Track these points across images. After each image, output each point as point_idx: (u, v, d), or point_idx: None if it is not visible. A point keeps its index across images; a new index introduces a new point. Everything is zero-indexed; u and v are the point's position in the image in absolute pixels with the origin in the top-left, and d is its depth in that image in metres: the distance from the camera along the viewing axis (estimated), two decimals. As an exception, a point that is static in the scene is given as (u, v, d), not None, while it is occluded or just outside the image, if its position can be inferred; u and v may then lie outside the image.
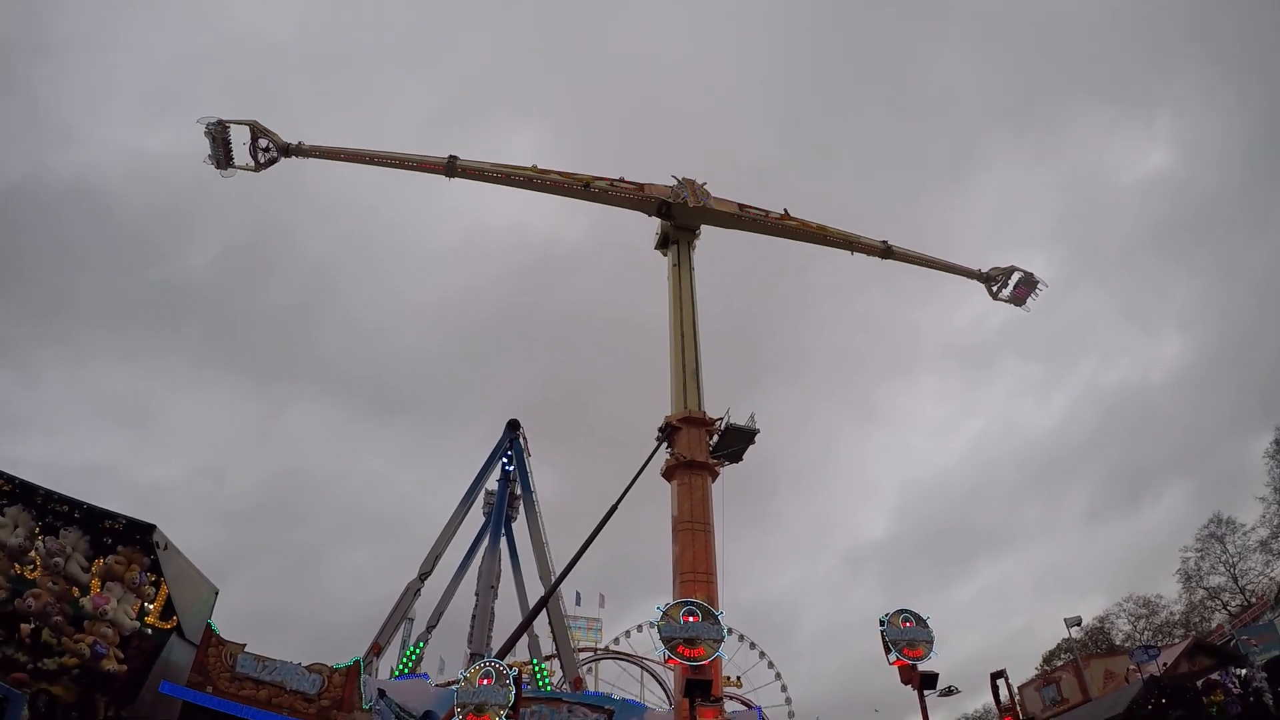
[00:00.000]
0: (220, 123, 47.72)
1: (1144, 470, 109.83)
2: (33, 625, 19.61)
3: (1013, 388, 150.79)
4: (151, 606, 23.40)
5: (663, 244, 54.00)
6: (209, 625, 26.74)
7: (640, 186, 52.14)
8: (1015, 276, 58.23)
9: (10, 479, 21.27)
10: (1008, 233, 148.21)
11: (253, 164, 48.58)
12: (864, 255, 56.68)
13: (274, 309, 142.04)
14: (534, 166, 51.85)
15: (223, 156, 47.66)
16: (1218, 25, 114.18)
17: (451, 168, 49.84)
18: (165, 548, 23.49)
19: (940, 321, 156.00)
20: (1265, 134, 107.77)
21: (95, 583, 21.40)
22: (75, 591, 20.86)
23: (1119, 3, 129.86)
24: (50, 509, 21.48)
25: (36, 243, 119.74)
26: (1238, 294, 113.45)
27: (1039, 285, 57.71)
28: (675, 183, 51.73)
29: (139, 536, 22.75)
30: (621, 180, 51.79)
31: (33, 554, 20.63)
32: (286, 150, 48.97)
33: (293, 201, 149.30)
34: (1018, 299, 58.89)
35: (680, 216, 51.70)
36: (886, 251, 55.90)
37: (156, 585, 23.61)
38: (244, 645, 27.60)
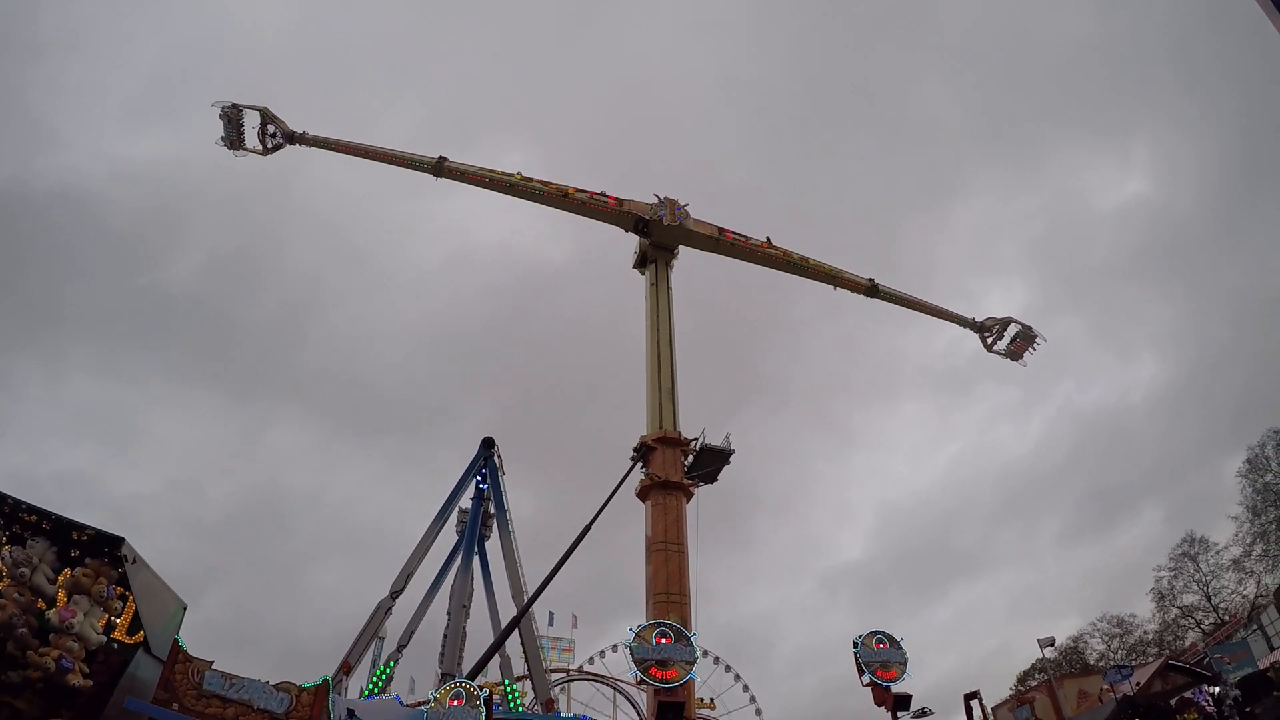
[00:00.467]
0: (235, 106, 50.86)
1: (1119, 491, 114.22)
2: (-3, 637, 19.15)
3: (990, 411, 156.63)
4: (119, 621, 22.79)
5: (641, 263, 54.40)
6: (176, 641, 26.23)
7: (620, 202, 52.60)
8: (1012, 330, 55.44)
9: (-25, 488, 20.86)
10: (986, 259, 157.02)
11: (260, 148, 51.65)
12: (847, 291, 56.04)
13: (259, 321, 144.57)
14: (519, 174, 52.54)
15: (235, 138, 50.93)
16: (1193, 55, 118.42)
17: (439, 168, 51.56)
18: (134, 561, 23.04)
19: (920, 345, 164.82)
20: (1239, 162, 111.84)
21: (62, 595, 20.89)
22: (41, 604, 20.37)
23: (1096, 34, 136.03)
24: (18, 518, 21.01)
25: (20, 248, 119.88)
26: (1211, 318, 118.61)
27: (1037, 340, 54.67)
28: (656, 201, 52.09)
29: (107, 549, 22.30)
30: (603, 194, 52.34)
31: (-1, 565, 20.17)
32: (291, 138, 52.04)
33: (282, 213, 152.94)
34: (1014, 353, 55.91)
35: (658, 235, 52.15)
36: (872, 290, 54.23)
37: (124, 599, 23.04)
38: (211, 662, 27.10)
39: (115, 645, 22.53)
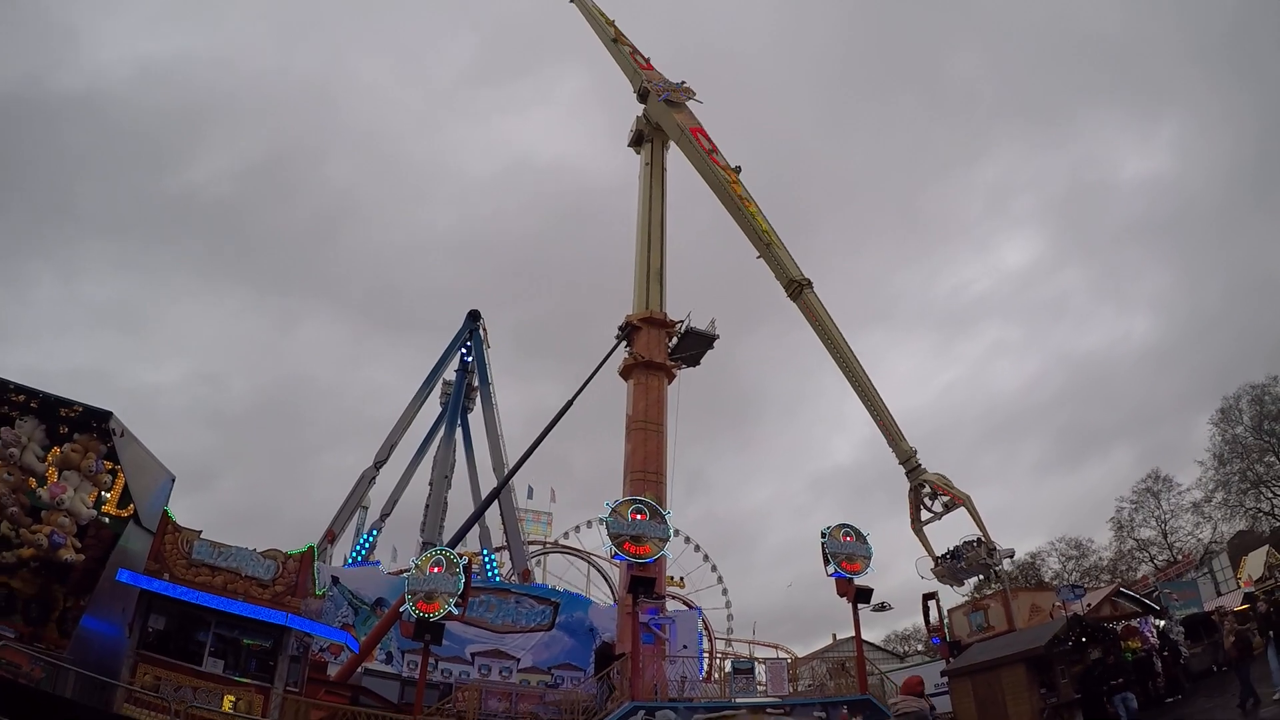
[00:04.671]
0: None
1: (1096, 431, 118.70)
2: (-10, 518, 19.56)
3: (989, 348, 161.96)
4: (108, 495, 23.32)
5: (636, 141, 53.18)
6: (165, 512, 26.74)
7: (648, 64, 52.11)
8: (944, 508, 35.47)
9: (-35, 371, 20.87)
10: (1003, 210, 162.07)
11: None
12: (774, 278, 42.01)
13: (291, 229, 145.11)
14: (612, 24, 55.59)
15: None
16: (1227, 47, 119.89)
17: None
18: (122, 435, 23.24)
19: (926, 283, 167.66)
20: (1255, 154, 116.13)
21: (52, 472, 21.20)
22: (32, 482, 20.68)
23: (1133, 17, 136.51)
24: (6, 399, 21.08)
25: (37, 150, 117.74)
26: (1207, 288, 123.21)
27: (996, 555, 33.02)
28: (673, 82, 50.79)
29: (95, 424, 22.47)
30: (640, 55, 53.38)
31: (-11, 446, 20.37)
32: None
33: (321, 127, 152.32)
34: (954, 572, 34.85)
35: (651, 109, 50.87)
36: (795, 292, 40.24)
37: (113, 474, 23.47)
38: (199, 532, 27.72)
39: (106, 519, 23.11)
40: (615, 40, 54.42)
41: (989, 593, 38.31)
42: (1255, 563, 38.01)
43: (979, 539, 33.18)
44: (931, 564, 35.03)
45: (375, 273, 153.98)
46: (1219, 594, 37.95)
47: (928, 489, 35.07)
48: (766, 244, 41.66)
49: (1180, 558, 54.10)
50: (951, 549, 34.31)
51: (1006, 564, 35.18)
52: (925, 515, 35.92)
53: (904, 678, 18.11)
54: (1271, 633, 20.06)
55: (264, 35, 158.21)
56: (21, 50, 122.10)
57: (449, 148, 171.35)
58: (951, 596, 35.73)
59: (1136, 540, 63.89)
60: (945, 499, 34.66)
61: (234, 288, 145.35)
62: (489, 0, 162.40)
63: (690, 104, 50.05)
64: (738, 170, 45.49)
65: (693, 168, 46.65)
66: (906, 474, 36.24)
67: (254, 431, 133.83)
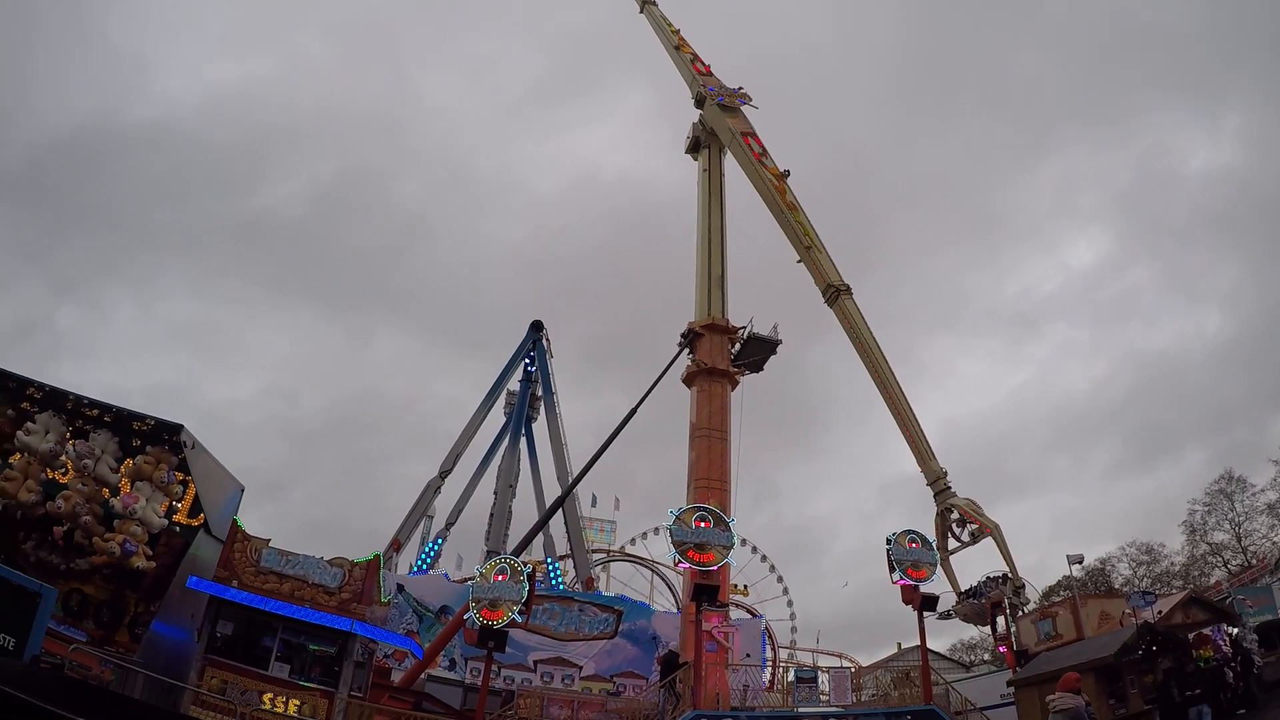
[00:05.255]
0: None
1: (1167, 432, 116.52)
2: (65, 527, 20.43)
3: (1058, 349, 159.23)
4: (179, 505, 24.09)
5: (693, 148, 53.32)
6: (235, 521, 27.56)
7: (708, 69, 52.39)
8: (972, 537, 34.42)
9: (40, 386, 21.77)
10: (1069, 208, 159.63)
11: None
12: (811, 278, 42.08)
13: (361, 248, 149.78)
14: (676, 33, 55.94)
15: None
16: None
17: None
18: (193, 446, 24.09)
19: (993, 286, 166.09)
20: None
21: (124, 483, 22.09)
22: (105, 492, 21.56)
23: (1198, 10, 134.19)
24: (80, 413, 22.03)
25: (116, 179, 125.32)
26: (1277, 284, 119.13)
27: (1022, 593, 32.47)
28: (730, 87, 50.90)
29: (167, 436, 23.32)
30: (701, 61, 53.55)
31: (64, 458, 21.29)
32: None
33: (387, 150, 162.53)
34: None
35: (706, 114, 50.98)
36: (833, 296, 40.06)
37: (184, 484, 24.25)
38: (268, 540, 28.54)
39: (177, 528, 23.90)
40: (678, 48, 54.75)
41: (1057, 600, 37.16)
42: (1332, 565, 36.22)
43: (1004, 575, 31.37)
44: (955, 600, 32.97)
45: (445, 288, 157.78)
46: (1292, 598, 36.19)
47: (956, 514, 33.22)
48: (807, 247, 41.31)
49: (1255, 562, 51.65)
50: (974, 585, 32.40)
51: (1075, 569, 34.14)
52: (952, 544, 34.12)
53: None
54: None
55: (331, 56, 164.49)
56: (96, 83, 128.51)
57: (516, 164, 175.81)
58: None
59: (1209, 544, 61.22)
60: (974, 527, 32.70)
61: (307, 306, 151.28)
62: (553, 19, 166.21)
63: (746, 109, 49.96)
64: (786, 174, 45.12)
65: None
66: (934, 496, 34.88)
67: (325, 444, 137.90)
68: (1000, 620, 32.71)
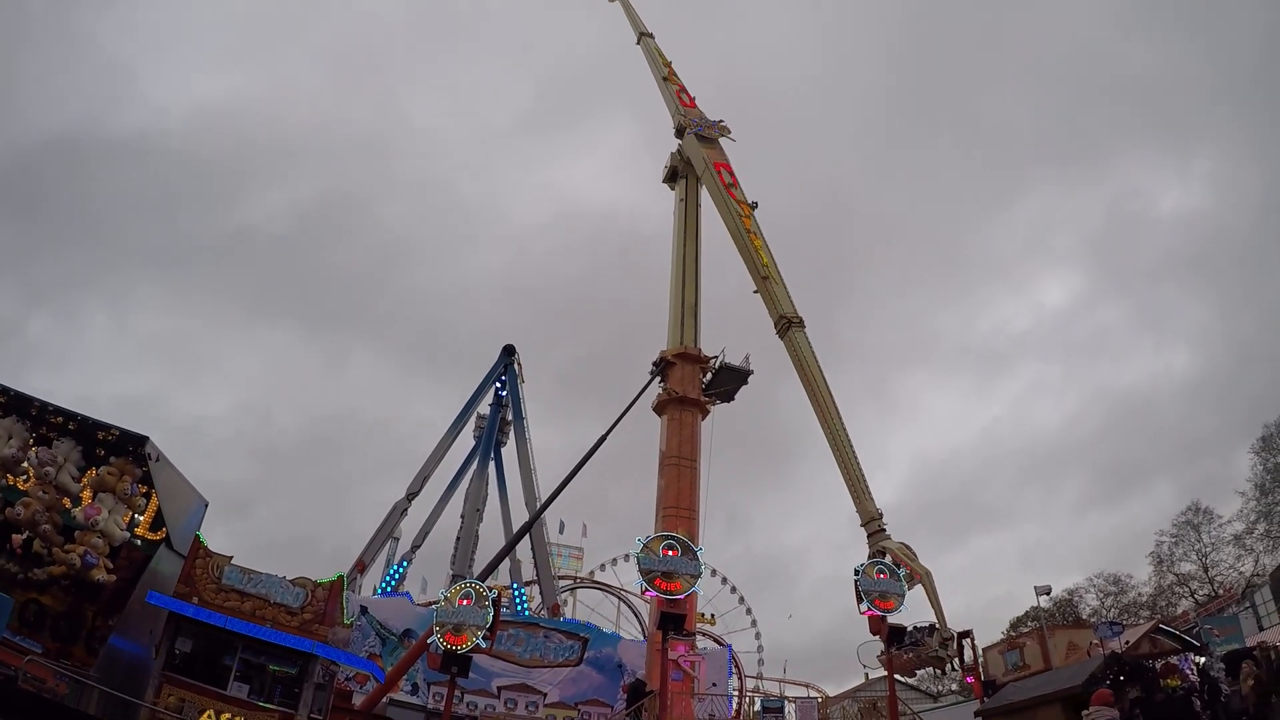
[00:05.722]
0: None
1: (1136, 467, 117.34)
2: (24, 535, 19.91)
3: (1030, 386, 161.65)
4: (142, 518, 23.63)
5: (670, 177, 53.86)
6: (197, 537, 27.05)
7: (692, 102, 52.84)
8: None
9: (4, 390, 21.30)
10: (1041, 248, 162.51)
11: None
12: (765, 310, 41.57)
13: (342, 269, 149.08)
14: (668, 65, 56.82)
15: None
16: (1259, 76, 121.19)
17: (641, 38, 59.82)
18: (157, 459, 23.65)
19: (967, 323, 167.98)
20: None
21: (87, 493, 21.57)
22: (66, 502, 21.05)
23: (1170, 56, 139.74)
24: (45, 420, 21.57)
25: (97, 188, 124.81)
26: (1244, 320, 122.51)
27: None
28: (711, 120, 51.41)
29: (132, 448, 22.88)
30: (687, 93, 54.29)
31: (25, 465, 20.80)
32: None
33: (373, 172, 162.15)
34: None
35: (685, 145, 51.46)
36: (785, 328, 39.66)
37: (147, 497, 23.80)
38: (230, 557, 27.99)
39: (138, 541, 23.41)
40: (666, 79, 55.52)
41: (1025, 631, 37.35)
42: (1299, 595, 36.71)
43: (933, 625, 30.27)
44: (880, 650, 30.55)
45: (425, 313, 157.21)
46: (1261, 628, 36.59)
47: (889, 558, 31.58)
48: (764, 278, 41.28)
49: (1221, 592, 52.36)
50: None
51: (1043, 600, 34.27)
52: None
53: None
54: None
55: (321, 77, 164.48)
56: (81, 90, 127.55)
57: (501, 192, 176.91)
58: (988, 637, 34.61)
59: (1176, 575, 61.99)
60: (904, 572, 30.66)
61: (285, 324, 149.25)
62: (542, 50, 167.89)
63: (725, 142, 50.56)
64: (755, 206, 45.54)
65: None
66: (868, 537, 33.96)
67: (297, 463, 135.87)
68: (967, 647, 32.74)
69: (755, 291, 42.05)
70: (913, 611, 30.17)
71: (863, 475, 35.28)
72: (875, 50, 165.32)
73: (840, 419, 36.60)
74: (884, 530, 33.64)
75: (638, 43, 60.25)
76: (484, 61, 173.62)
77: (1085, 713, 16.79)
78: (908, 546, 32.45)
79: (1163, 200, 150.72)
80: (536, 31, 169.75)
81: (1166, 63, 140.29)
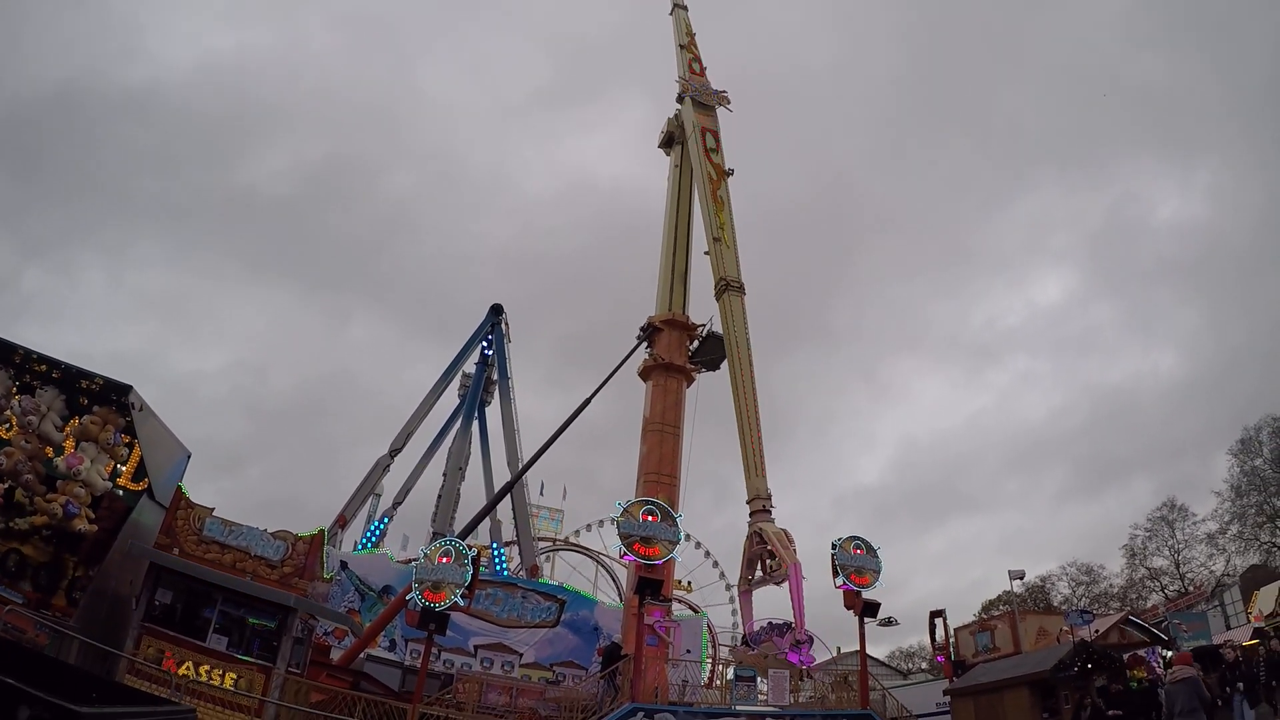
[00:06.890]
0: None
1: (1117, 462, 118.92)
2: (6, 484, 19.82)
3: (1019, 379, 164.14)
4: (124, 468, 23.52)
5: (666, 143, 53.32)
6: (179, 488, 27.10)
7: (703, 72, 52.54)
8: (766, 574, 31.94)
9: (-13, 338, 21.19)
10: (1041, 244, 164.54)
11: None
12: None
13: (346, 232, 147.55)
14: (691, 35, 55.44)
15: None
16: (1266, 92, 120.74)
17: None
18: (141, 409, 23.53)
19: (960, 314, 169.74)
20: None
21: (69, 443, 21.49)
22: (49, 451, 20.96)
23: (1176, 63, 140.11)
24: (28, 368, 21.38)
25: (99, 141, 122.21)
26: (1233, 328, 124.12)
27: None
28: (714, 88, 51.00)
29: (115, 397, 22.76)
30: (699, 63, 53.72)
31: (8, 413, 20.64)
32: None
33: (382, 138, 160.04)
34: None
35: (683, 110, 51.03)
36: (722, 289, 40.30)
37: (130, 447, 23.67)
38: (212, 509, 28.08)
39: (120, 491, 23.31)
40: (683, 47, 54.75)
41: (997, 614, 37.97)
42: (1267, 598, 37.38)
43: (788, 624, 29.09)
44: (740, 641, 30.12)
45: (428, 279, 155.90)
46: (1229, 627, 37.40)
47: (760, 539, 31.11)
48: (715, 239, 41.80)
49: (1191, 589, 53.36)
50: (757, 629, 29.70)
51: (1016, 585, 34.82)
52: (758, 574, 31.85)
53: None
54: (1242, 684, 19.57)
55: (334, 40, 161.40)
56: (87, 41, 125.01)
57: (510, 164, 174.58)
58: (961, 618, 35.14)
59: (1148, 569, 63.27)
60: (773, 562, 30.41)
61: (285, 284, 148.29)
62: (559, 24, 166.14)
63: (721, 112, 50.11)
64: (730, 173, 46.07)
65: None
66: (749, 515, 33.25)
67: (290, 423, 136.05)
68: (939, 627, 33.32)
69: (706, 252, 42.69)
70: (776, 606, 30.35)
71: (761, 452, 34.66)
72: (891, 41, 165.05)
73: (754, 391, 36.58)
74: (768, 511, 32.97)
75: (671, 12, 58.67)
76: (504, 32, 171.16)
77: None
78: (786, 533, 31.78)
79: (1162, 208, 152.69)
80: (560, 3, 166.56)
81: (1177, 75, 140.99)
